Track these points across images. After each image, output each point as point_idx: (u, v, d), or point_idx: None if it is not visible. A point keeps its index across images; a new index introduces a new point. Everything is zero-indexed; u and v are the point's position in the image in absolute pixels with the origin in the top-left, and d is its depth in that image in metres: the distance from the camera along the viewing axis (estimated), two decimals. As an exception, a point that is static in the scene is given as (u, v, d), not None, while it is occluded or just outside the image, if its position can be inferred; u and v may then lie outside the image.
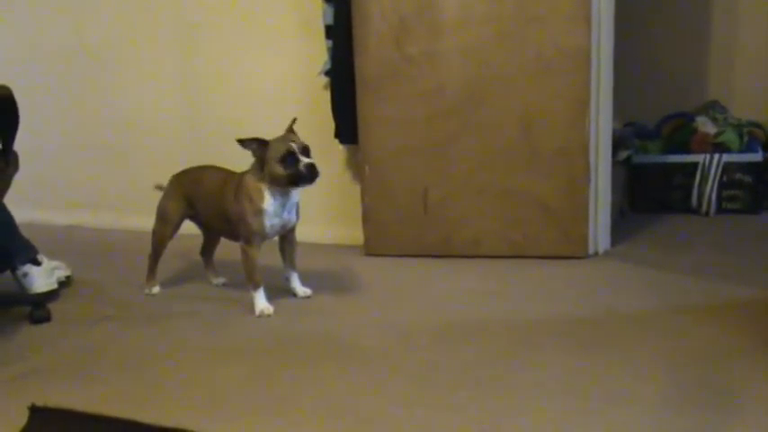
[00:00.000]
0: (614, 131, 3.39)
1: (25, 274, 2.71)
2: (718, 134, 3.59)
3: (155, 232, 2.81)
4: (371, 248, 3.16)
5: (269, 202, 2.50)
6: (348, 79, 3.08)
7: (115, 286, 3.01)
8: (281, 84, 3.45)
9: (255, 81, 3.51)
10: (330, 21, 3.11)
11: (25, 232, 2.84)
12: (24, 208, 3.13)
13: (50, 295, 2.76)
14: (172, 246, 2.89)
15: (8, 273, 2.74)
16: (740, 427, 1.82)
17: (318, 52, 3.24)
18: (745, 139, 3.59)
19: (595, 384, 2.02)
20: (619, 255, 3.09)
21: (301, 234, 3.40)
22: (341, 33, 3.07)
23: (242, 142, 2.42)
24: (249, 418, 1.91)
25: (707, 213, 3.56)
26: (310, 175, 2.43)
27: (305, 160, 2.43)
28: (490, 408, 1.91)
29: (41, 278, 2.73)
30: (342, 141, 3.23)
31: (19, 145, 2.68)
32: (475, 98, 2.99)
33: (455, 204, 3.08)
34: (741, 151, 3.55)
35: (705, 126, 3.66)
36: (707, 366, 2.11)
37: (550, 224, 2.99)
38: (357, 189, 3.25)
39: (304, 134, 3.40)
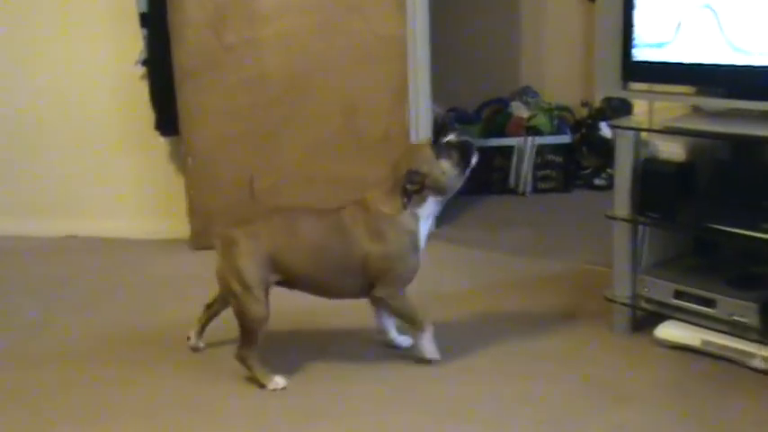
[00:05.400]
0: (436, 117, 3.51)
1: None
2: (530, 118, 3.80)
3: (245, 312, 1.95)
4: (199, 242, 3.09)
5: (423, 230, 2.01)
6: (166, 69, 2.99)
7: None
8: (96, 74, 3.28)
9: (66, 71, 3.31)
10: (145, 8, 3.00)
11: None
12: None
13: None
14: None
15: None
16: (544, 390, 1.96)
17: (134, 41, 3.11)
18: (556, 122, 3.82)
19: (405, 361, 2.11)
20: (443, 236, 3.20)
21: (126, 230, 3.31)
22: (156, 22, 2.98)
23: (405, 188, 1.94)
24: (64, 426, 1.84)
25: (524, 193, 3.76)
26: (468, 143, 2.00)
27: (450, 138, 1.99)
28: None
29: None
30: (163, 133, 3.14)
31: None
32: (298, 87, 3.00)
33: (284, 193, 3.07)
34: (552, 134, 3.77)
35: (519, 110, 3.86)
36: (515, 337, 2.25)
37: (377, 209, 3.04)
38: (182, 182, 3.16)
39: (123, 127, 3.31)
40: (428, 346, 2.06)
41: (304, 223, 2.00)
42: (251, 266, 1.94)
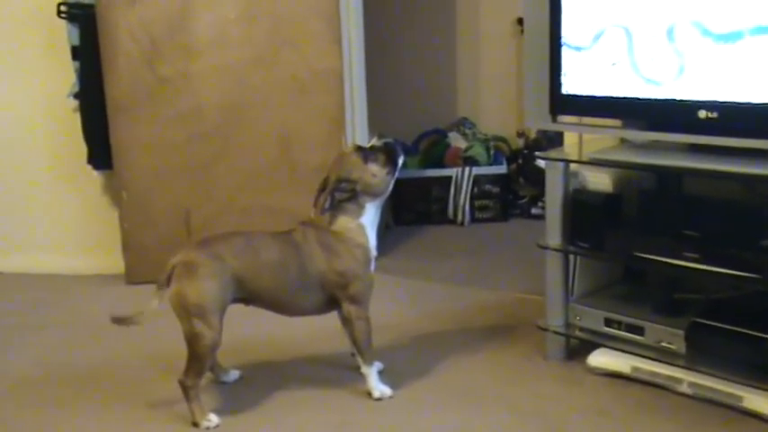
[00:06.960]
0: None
1: None
2: (467, 149, 3.85)
3: (198, 336, 1.90)
4: (133, 276, 3.04)
5: (372, 240, 2.07)
6: (99, 102, 2.95)
7: None
8: (28, 107, 3.22)
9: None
10: (76, 41, 2.96)
11: None
12: None
13: None
14: None
15: None
16: (479, 419, 1.97)
17: (66, 74, 3.07)
18: (492, 152, 3.88)
19: (348, 391, 2.10)
20: (382, 267, 3.19)
21: (57, 266, 3.23)
22: (89, 54, 2.94)
23: (332, 194, 1.99)
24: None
25: (462, 223, 3.79)
26: (393, 145, 2.07)
27: (374, 142, 2.07)
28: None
29: None
30: (96, 167, 3.09)
31: None
32: (234, 119, 3.00)
33: (219, 226, 3.02)
34: (489, 164, 3.83)
35: (456, 141, 3.91)
36: (450, 367, 2.27)
37: (314, 241, 3.04)
38: (116, 215, 3.11)
39: (55, 160, 3.24)
40: (376, 382, 2.08)
41: (261, 243, 2.03)
42: (214, 289, 1.92)
